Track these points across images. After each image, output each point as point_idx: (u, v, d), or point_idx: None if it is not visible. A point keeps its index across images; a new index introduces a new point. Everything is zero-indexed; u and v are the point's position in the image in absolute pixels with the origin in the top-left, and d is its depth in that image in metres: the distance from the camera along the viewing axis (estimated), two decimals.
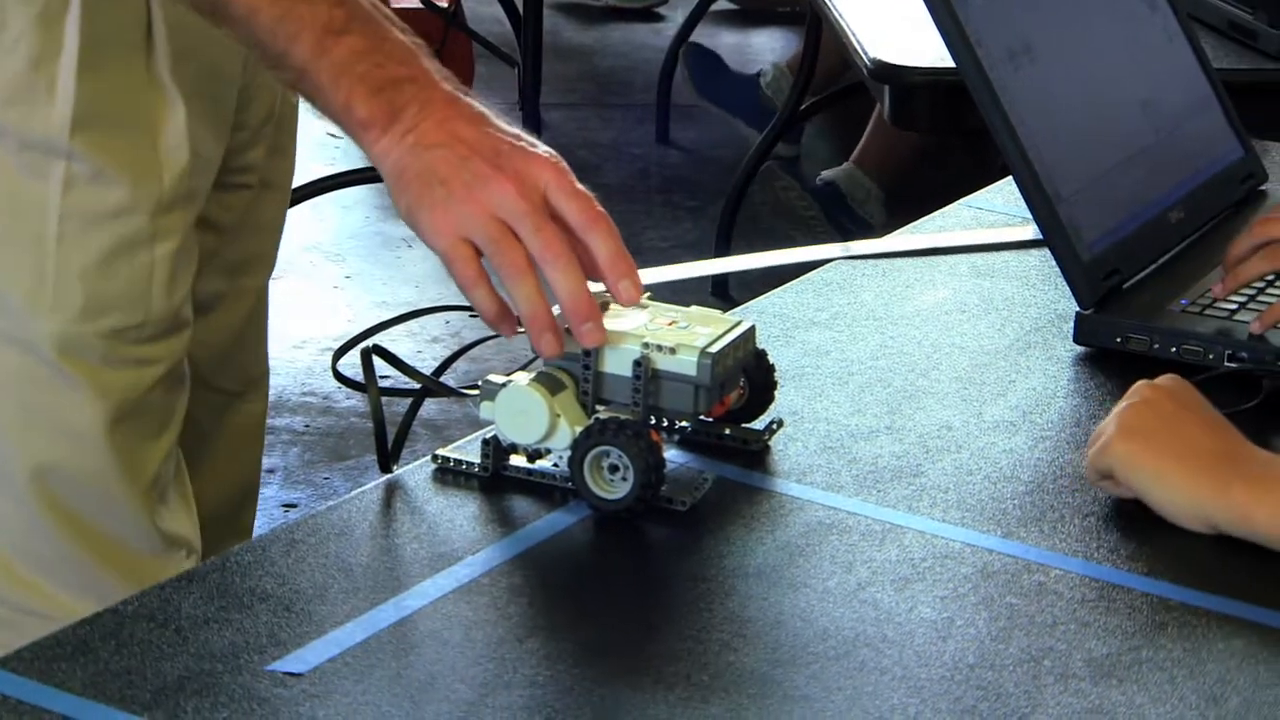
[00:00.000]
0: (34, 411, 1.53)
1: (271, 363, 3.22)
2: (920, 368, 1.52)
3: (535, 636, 1.16)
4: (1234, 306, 1.55)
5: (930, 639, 1.17)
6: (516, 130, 1.34)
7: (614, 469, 1.28)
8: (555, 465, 1.31)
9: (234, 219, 1.65)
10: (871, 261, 1.72)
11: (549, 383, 1.30)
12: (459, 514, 1.28)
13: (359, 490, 1.31)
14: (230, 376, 1.71)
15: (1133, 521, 1.31)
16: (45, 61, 1.46)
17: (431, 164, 1.31)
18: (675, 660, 1.14)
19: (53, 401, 1.52)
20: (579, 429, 1.29)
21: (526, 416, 1.29)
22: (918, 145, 3.85)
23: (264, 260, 1.73)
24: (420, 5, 4.03)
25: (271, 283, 4.10)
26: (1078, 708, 1.12)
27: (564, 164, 1.32)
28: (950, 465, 1.37)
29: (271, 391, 3.32)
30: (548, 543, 1.26)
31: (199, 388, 1.65)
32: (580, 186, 1.31)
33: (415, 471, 1.33)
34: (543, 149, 1.32)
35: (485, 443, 1.32)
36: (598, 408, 1.31)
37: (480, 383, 1.32)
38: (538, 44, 3.53)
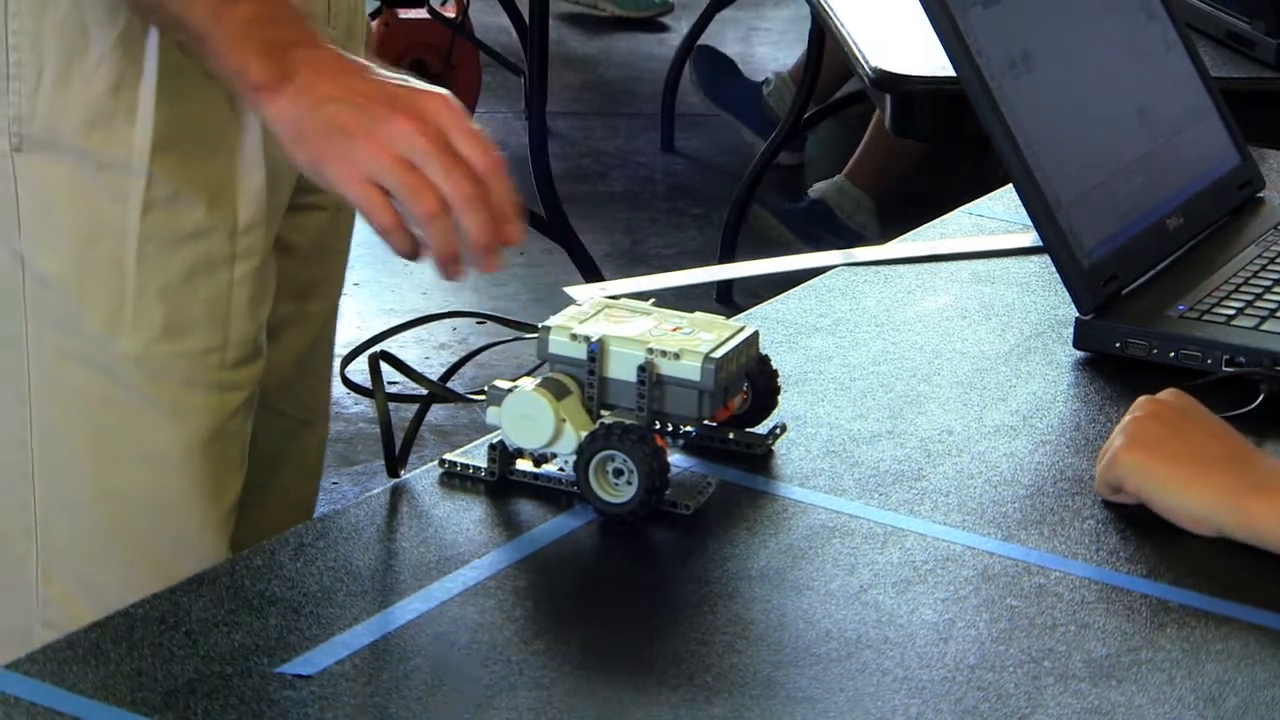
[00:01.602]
0: (108, 435, 1.53)
1: None
2: (922, 373, 1.53)
3: (541, 639, 1.18)
4: (1232, 311, 1.56)
5: (931, 640, 1.19)
6: (404, 74, 1.39)
7: (619, 473, 1.29)
8: (561, 470, 1.32)
9: (307, 241, 1.66)
10: (873, 268, 1.74)
11: (554, 388, 1.31)
12: (465, 518, 1.30)
13: (367, 495, 1.33)
14: (295, 403, 1.71)
15: (1132, 524, 1.32)
16: (126, 85, 1.47)
17: (330, 117, 1.36)
18: (679, 662, 1.16)
19: (130, 425, 1.53)
20: (584, 434, 1.30)
21: (532, 421, 1.31)
22: (915, 156, 3.86)
23: (331, 284, 1.74)
24: (428, 16, 4.05)
25: None
26: (1077, 708, 1.13)
27: (457, 101, 1.37)
28: (951, 469, 1.39)
29: None
30: (553, 546, 1.27)
31: (265, 412, 1.65)
32: (474, 126, 1.36)
33: (422, 476, 1.35)
34: (434, 88, 1.37)
35: (491, 447, 1.34)
36: (603, 413, 1.32)
37: (486, 388, 1.33)
38: (543, 54, 3.54)
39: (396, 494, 1.33)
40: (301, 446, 1.74)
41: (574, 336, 1.32)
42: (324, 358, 1.76)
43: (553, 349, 1.32)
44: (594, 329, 1.32)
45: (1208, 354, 1.51)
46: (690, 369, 1.30)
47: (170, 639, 1.15)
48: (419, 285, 3.83)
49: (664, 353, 1.30)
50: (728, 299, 3.67)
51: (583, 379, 1.32)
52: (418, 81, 1.38)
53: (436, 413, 3.23)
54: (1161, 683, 1.16)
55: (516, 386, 1.32)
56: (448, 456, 1.35)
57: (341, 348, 3.62)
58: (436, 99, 1.35)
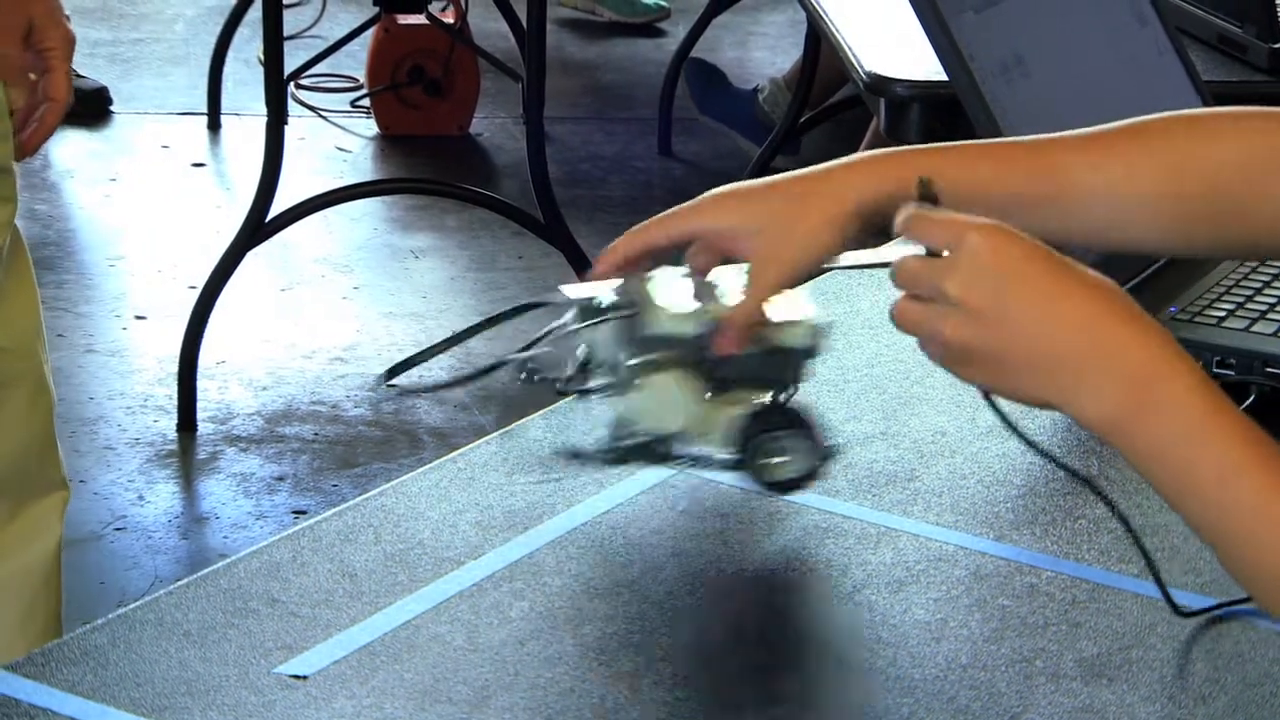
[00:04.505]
0: None
1: (281, 372, 3.23)
2: (915, 374, 1.54)
3: (536, 639, 1.19)
4: (1223, 313, 1.57)
5: (924, 640, 1.20)
6: None
7: (774, 452, 1.30)
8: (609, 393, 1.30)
9: None
10: (867, 271, 1.74)
11: (666, 367, 1.30)
12: (461, 520, 1.31)
13: (364, 497, 1.34)
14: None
15: (1124, 523, 1.33)
16: None
17: None
18: (673, 662, 1.16)
19: None
20: (735, 414, 1.30)
21: (664, 408, 1.30)
22: None
23: None
24: (427, 22, 4.06)
25: (281, 293, 4.09)
26: (1069, 707, 1.14)
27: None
28: (944, 470, 1.40)
29: (281, 400, 3.36)
30: (547, 549, 1.28)
31: None
32: (66, 23, 1.65)
33: (419, 479, 1.36)
34: None
35: (578, 361, 1.31)
36: (721, 388, 1.31)
37: (597, 375, 1.31)
38: (541, 59, 3.55)
39: (393, 496, 1.34)
40: (16, 370, 1.76)
41: (676, 315, 1.30)
42: (20, 277, 1.76)
43: (655, 329, 1.29)
44: (689, 305, 1.30)
45: (1199, 355, 1.51)
46: (802, 336, 1.30)
47: (168, 641, 1.16)
48: (419, 289, 3.84)
49: (776, 324, 1.30)
50: None
51: (686, 356, 1.30)
52: None
53: (435, 414, 3.23)
54: (1152, 681, 1.17)
55: (641, 373, 1.29)
56: (519, 355, 1.31)
57: (342, 351, 3.60)
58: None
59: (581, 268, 3.66)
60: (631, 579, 1.26)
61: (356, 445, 3.24)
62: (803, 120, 3.92)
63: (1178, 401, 1.02)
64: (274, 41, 3.35)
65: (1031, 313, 1.05)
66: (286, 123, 3.41)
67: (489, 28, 4.66)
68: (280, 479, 3.14)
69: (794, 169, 1.35)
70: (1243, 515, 1.01)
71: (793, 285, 1.29)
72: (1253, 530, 1.01)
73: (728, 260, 1.30)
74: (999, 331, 1.06)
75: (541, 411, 1.48)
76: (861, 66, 2.31)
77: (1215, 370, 1.50)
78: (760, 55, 5.19)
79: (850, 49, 2.37)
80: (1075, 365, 1.04)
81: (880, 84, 2.26)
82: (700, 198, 1.30)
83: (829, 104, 4.08)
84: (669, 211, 1.30)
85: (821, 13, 2.55)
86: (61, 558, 1.80)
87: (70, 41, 1.74)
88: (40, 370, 1.79)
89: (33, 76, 1.71)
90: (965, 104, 1.57)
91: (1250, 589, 1.03)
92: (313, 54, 4.15)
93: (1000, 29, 1.61)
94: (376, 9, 4.01)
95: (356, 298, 3.79)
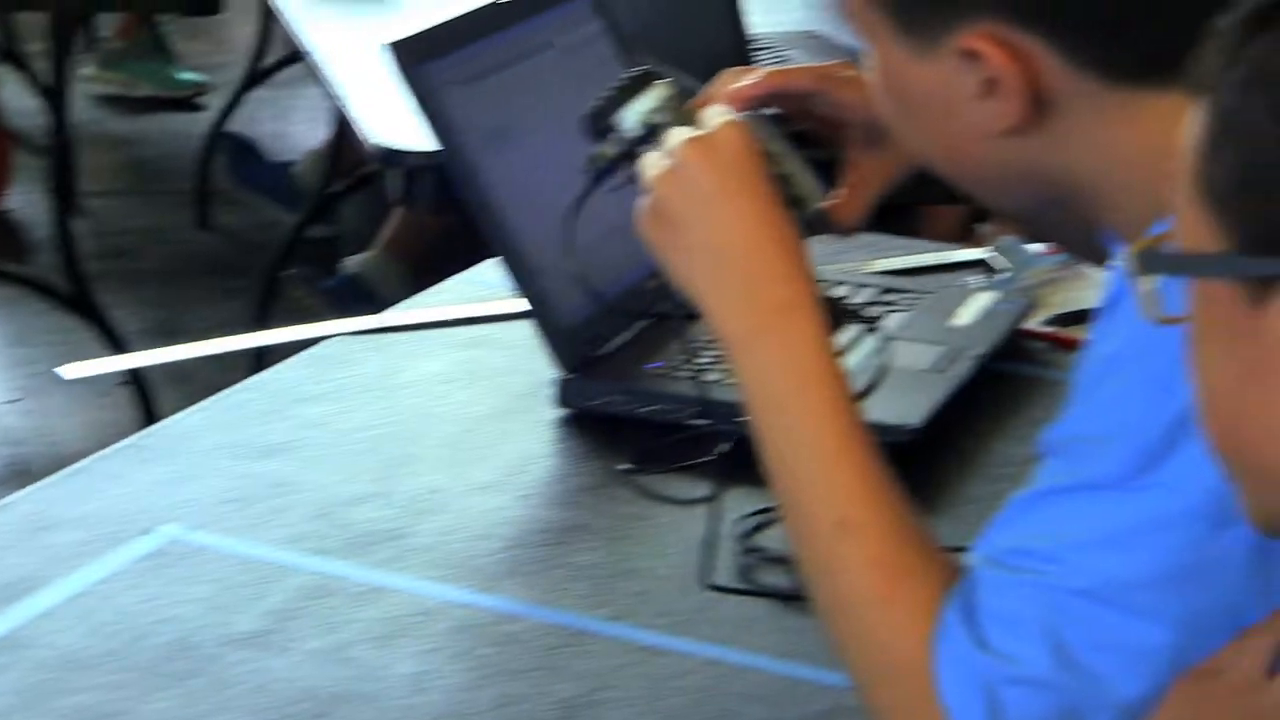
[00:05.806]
0: None
1: None
2: (410, 435, 1.58)
3: (21, 713, 1.19)
4: (701, 367, 1.64)
5: (406, 692, 1.24)
6: None
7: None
8: None
9: None
10: (372, 336, 1.79)
11: None
12: None
13: None
14: None
15: (600, 570, 1.39)
16: None
17: None
18: None
19: None
20: None
21: None
22: (445, 225, 3.93)
23: None
24: None
25: None
26: None
27: None
28: (435, 526, 1.44)
29: None
30: (35, 621, 1.29)
31: None
32: None
33: None
34: None
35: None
36: None
37: None
38: (64, 128, 3.53)
39: None
40: None
41: None
42: None
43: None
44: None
45: (678, 407, 1.59)
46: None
47: None
48: None
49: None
50: (260, 367, 3.68)
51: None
52: None
53: None
54: (628, 718, 1.23)
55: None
56: None
57: None
58: None
59: (114, 340, 3.64)
60: (117, 648, 1.27)
61: None
62: (335, 190, 3.95)
63: (801, 340, 1.13)
64: None
65: (729, 200, 1.17)
66: None
67: (25, 105, 4.59)
68: None
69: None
70: (815, 455, 1.12)
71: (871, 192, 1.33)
72: (819, 468, 1.12)
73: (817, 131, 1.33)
74: (694, 200, 1.17)
75: (50, 478, 1.48)
76: (374, 139, 2.36)
77: (691, 420, 1.58)
78: (299, 129, 5.19)
79: (363, 123, 2.42)
80: (736, 271, 1.16)
81: (391, 155, 2.31)
82: (831, 64, 1.34)
83: (361, 174, 4.12)
84: (795, 66, 1.35)
85: (336, 89, 2.59)
86: None
87: None
88: None
89: None
90: (453, 172, 1.62)
91: (784, 505, 1.13)
92: None
93: (487, 101, 1.67)
94: None
95: None
